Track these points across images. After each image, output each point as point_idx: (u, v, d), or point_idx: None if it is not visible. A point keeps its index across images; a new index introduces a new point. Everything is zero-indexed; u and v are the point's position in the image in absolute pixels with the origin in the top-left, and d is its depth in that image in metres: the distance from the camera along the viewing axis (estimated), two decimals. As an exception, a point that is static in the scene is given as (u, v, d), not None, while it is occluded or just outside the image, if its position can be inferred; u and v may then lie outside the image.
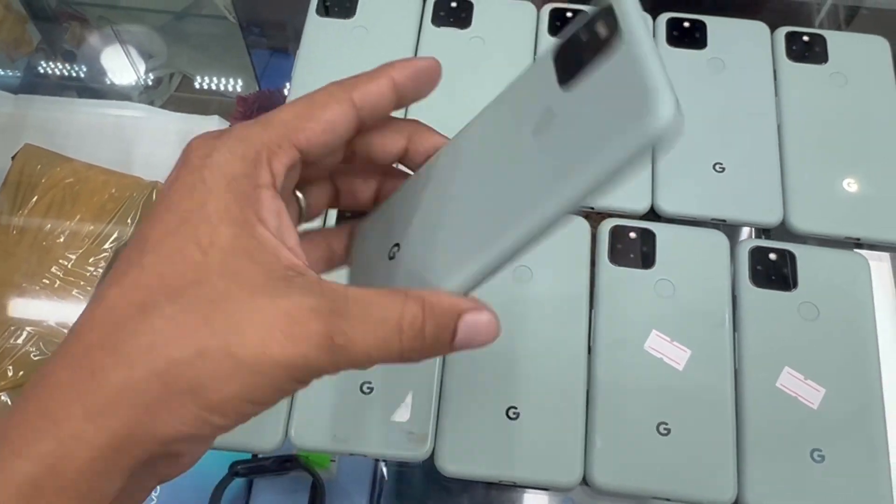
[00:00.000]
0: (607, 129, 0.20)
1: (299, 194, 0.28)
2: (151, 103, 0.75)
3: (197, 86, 0.79)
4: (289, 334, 0.21)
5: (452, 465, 0.44)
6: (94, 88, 0.79)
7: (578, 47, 0.22)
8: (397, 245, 0.27)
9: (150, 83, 0.79)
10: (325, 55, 0.57)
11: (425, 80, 0.26)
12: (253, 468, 0.55)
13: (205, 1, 0.82)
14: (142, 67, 0.80)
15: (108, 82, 0.79)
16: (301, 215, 0.28)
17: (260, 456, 0.55)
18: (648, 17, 0.58)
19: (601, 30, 0.21)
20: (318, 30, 0.58)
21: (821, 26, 0.70)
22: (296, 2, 0.73)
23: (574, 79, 0.22)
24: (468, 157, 0.26)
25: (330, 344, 0.21)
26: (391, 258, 0.27)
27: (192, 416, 0.20)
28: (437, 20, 0.58)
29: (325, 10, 0.59)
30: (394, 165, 0.29)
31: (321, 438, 0.45)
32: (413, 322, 0.22)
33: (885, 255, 0.52)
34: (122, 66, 0.80)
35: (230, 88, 0.79)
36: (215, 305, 0.21)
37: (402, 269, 0.26)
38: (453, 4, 0.59)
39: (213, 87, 0.79)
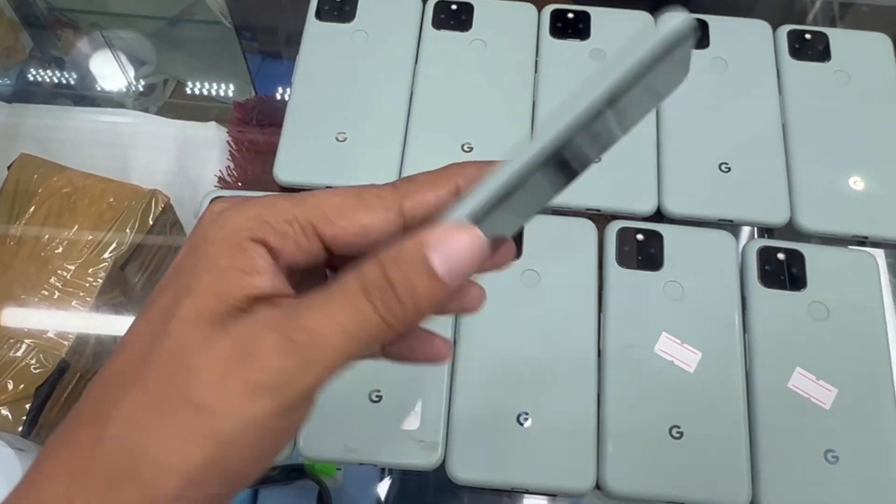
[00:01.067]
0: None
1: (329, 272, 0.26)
2: (146, 110, 0.75)
3: (190, 91, 0.79)
4: (249, 380, 0.19)
5: (463, 472, 0.44)
6: (88, 96, 0.78)
7: None
8: None
9: (144, 89, 0.78)
10: (325, 60, 0.56)
11: None
12: (259, 478, 0.54)
13: (199, 6, 0.81)
14: (134, 74, 0.79)
15: (102, 89, 0.78)
16: None
17: (266, 465, 0.54)
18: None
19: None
20: (317, 34, 0.57)
21: (815, 22, 0.70)
22: (291, 5, 0.73)
23: None
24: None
25: (292, 347, 0.19)
26: None
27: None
28: (438, 23, 0.58)
29: (323, 15, 0.58)
30: None
31: (330, 448, 0.44)
32: (376, 280, 0.20)
33: (880, 252, 0.52)
34: (115, 72, 0.79)
35: (223, 94, 0.78)
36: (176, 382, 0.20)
37: None
38: (454, 7, 0.58)
39: (207, 93, 0.79)
